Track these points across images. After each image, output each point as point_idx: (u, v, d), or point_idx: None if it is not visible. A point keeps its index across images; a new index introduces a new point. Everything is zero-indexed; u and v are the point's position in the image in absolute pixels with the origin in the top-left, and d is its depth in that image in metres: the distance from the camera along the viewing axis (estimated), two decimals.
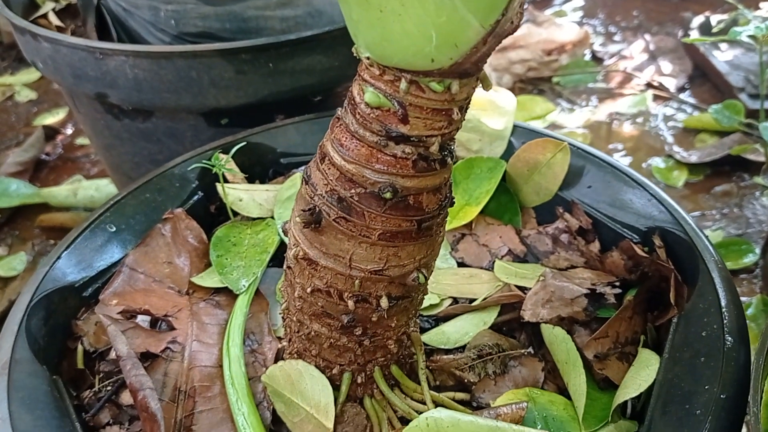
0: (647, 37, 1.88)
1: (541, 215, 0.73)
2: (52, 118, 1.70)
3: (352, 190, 0.43)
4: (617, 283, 0.61)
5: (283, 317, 0.54)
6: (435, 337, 0.61)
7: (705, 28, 1.68)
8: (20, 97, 1.81)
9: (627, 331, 0.58)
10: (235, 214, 0.73)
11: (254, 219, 0.72)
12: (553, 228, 0.70)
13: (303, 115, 0.80)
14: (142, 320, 0.62)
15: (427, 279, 0.48)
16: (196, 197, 0.74)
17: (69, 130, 1.64)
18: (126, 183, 1.03)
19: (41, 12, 1.05)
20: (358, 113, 0.41)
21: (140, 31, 0.88)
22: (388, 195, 0.42)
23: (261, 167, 0.79)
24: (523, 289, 0.63)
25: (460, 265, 0.70)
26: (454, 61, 0.37)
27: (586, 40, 1.78)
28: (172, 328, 0.60)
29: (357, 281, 0.45)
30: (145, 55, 0.77)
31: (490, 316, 0.62)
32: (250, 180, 0.78)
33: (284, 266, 0.51)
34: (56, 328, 0.60)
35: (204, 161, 0.70)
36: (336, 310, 0.48)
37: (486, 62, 0.40)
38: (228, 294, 0.65)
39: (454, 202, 0.47)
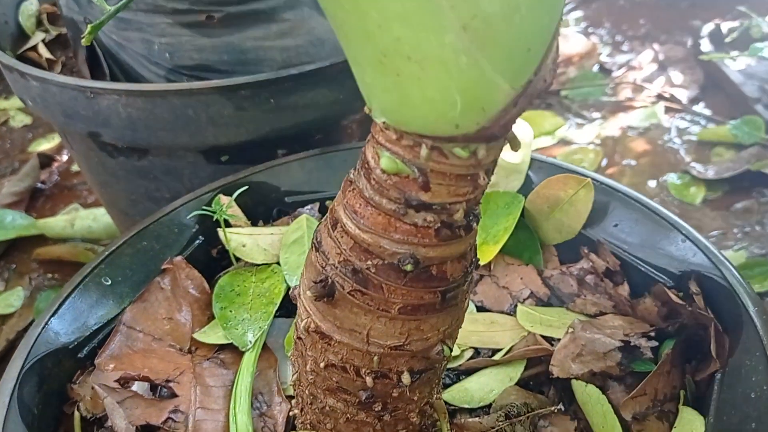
0: (656, 46, 1.83)
1: (563, 253, 0.68)
2: (47, 144, 1.66)
3: (369, 261, 0.39)
4: (652, 334, 0.56)
5: (294, 387, 0.50)
6: (457, 395, 0.56)
7: (716, 37, 1.63)
8: (15, 122, 1.76)
9: (665, 387, 0.54)
10: (238, 259, 0.69)
11: (259, 265, 0.68)
12: (577, 269, 0.66)
13: (306, 149, 0.76)
14: (141, 384, 0.58)
15: (452, 350, 0.43)
16: (196, 242, 0.70)
17: (65, 157, 1.60)
18: (123, 219, 0.99)
19: (31, 43, 1.01)
20: (374, 179, 0.37)
21: (133, 64, 0.84)
22: (408, 267, 0.38)
23: (264, 207, 0.75)
24: (549, 339, 0.59)
25: (480, 309, 0.65)
26: (480, 126, 0.33)
27: (593, 52, 1.74)
28: (173, 395, 0.55)
29: (376, 357, 0.41)
30: (138, 94, 0.73)
31: (516, 372, 0.57)
32: (254, 221, 0.73)
33: (293, 335, 0.47)
34: (51, 394, 0.56)
35: (204, 207, 0.66)
36: (353, 386, 0.43)
37: (516, 122, 0.35)
38: (233, 350, 0.61)
39: (479, 265, 0.43)
